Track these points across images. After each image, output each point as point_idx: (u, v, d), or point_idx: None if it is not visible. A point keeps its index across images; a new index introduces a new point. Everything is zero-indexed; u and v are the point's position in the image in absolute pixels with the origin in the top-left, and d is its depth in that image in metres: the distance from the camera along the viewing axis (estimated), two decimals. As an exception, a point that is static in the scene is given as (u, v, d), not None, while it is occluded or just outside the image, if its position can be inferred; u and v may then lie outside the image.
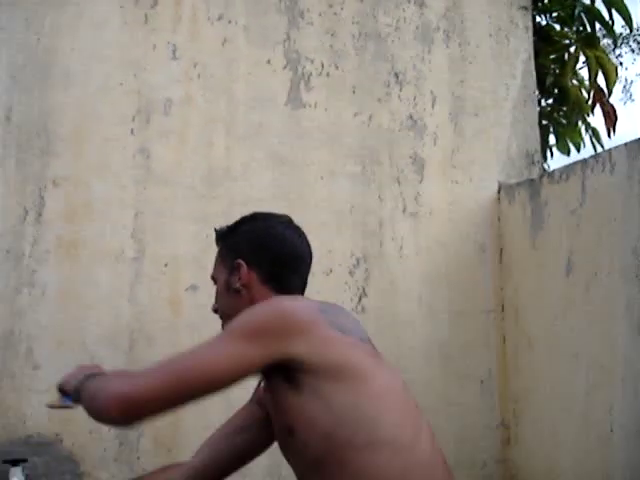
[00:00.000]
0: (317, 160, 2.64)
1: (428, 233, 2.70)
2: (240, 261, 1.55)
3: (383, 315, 2.61)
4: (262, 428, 1.70)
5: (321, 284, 2.55)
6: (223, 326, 1.57)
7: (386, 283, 2.64)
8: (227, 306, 1.56)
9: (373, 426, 1.39)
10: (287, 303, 1.49)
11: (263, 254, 1.56)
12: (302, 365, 1.39)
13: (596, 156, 2.21)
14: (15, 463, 2.17)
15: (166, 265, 2.45)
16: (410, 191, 2.71)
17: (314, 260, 2.46)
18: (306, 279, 1.61)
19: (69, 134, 2.44)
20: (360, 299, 2.60)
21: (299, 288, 1.58)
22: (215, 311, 1.62)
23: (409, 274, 2.66)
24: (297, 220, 2.36)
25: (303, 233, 1.64)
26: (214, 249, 2.43)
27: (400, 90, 2.76)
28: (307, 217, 2.56)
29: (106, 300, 2.41)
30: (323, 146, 2.66)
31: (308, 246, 1.62)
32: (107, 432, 2.34)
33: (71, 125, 2.44)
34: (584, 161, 2.25)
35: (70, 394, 1.54)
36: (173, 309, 2.44)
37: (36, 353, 2.34)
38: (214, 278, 1.63)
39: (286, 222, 1.63)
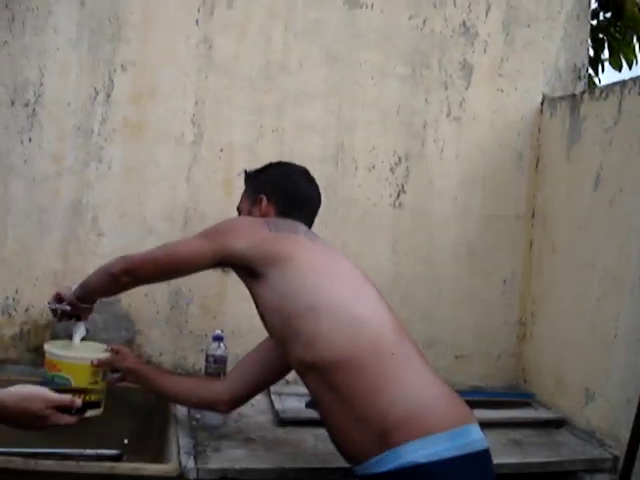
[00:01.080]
0: (369, 60, 2.73)
1: (469, 138, 2.81)
2: (262, 196, 2.02)
3: (419, 212, 2.76)
4: None
5: (363, 178, 2.72)
6: None
7: (424, 182, 2.77)
8: None
9: (308, 293, 1.75)
10: (238, 217, 2.07)
11: (280, 193, 2.02)
12: (247, 258, 1.83)
13: (635, 79, 2.28)
14: (78, 317, 2.29)
15: (221, 150, 2.62)
16: (456, 96, 2.80)
17: (359, 155, 2.73)
18: (312, 219, 2.06)
19: (138, 21, 2.55)
20: (399, 195, 2.75)
21: (306, 222, 2.01)
22: None
23: (447, 176, 2.79)
24: (346, 116, 2.60)
25: (315, 182, 2.09)
26: (266, 138, 2.65)
27: (456, -4, 2.82)
28: (355, 114, 2.72)
29: (165, 179, 2.58)
30: (376, 47, 2.73)
31: (318, 193, 2.08)
32: (160, 296, 2.58)
33: (140, 12, 2.56)
34: (623, 82, 2.32)
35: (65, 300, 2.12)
36: (225, 191, 2.61)
37: (100, 222, 2.55)
38: (239, 208, 2.11)
39: (304, 172, 2.09)
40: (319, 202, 2.09)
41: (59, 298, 2.12)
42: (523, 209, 2.83)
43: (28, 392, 1.36)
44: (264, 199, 2.02)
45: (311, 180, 2.09)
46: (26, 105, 2.50)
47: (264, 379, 2.04)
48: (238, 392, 2.01)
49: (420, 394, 1.67)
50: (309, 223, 2.04)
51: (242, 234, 1.86)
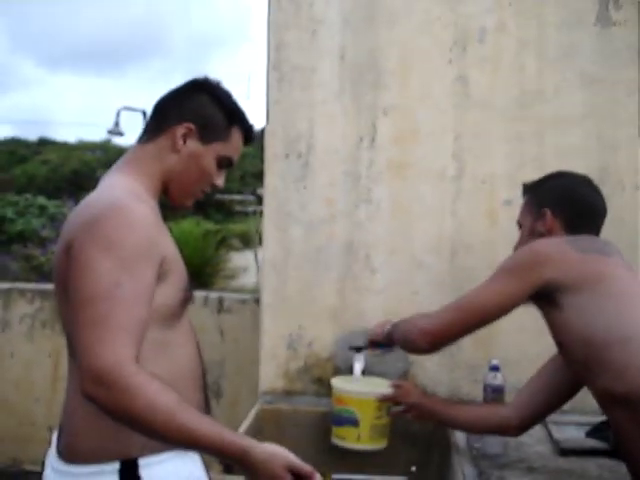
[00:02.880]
0: (627, 78, 2.66)
1: None
2: (546, 209, 1.88)
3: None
4: None
5: (631, 198, 2.64)
6: None
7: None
8: None
9: (623, 323, 1.63)
10: (537, 242, 1.84)
11: (566, 206, 1.88)
12: (556, 286, 1.70)
13: None
14: (358, 350, 2.42)
15: (483, 182, 2.67)
16: None
17: (624, 175, 2.60)
18: (599, 231, 1.90)
19: (395, 68, 2.70)
20: (670, 214, 2.64)
21: (594, 232, 1.89)
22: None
23: None
24: (607, 136, 2.52)
25: (600, 191, 1.92)
26: (527, 166, 2.66)
27: None
28: (617, 134, 2.66)
29: (431, 214, 2.68)
30: (633, 64, 2.66)
31: (603, 203, 1.91)
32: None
33: (397, 60, 2.70)
34: None
35: (381, 342, 2.15)
36: (490, 221, 2.66)
37: (373, 259, 2.69)
38: (520, 223, 2.00)
39: (587, 181, 1.93)
40: (605, 213, 1.92)
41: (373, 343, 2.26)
42: None
43: (275, 449, 1.31)
44: (548, 213, 1.88)
45: (595, 189, 1.93)
46: (299, 156, 2.72)
47: (550, 403, 2.02)
48: (527, 416, 2.01)
49: None
50: (597, 235, 1.90)
51: (550, 262, 1.73)
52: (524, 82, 2.68)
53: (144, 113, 8.87)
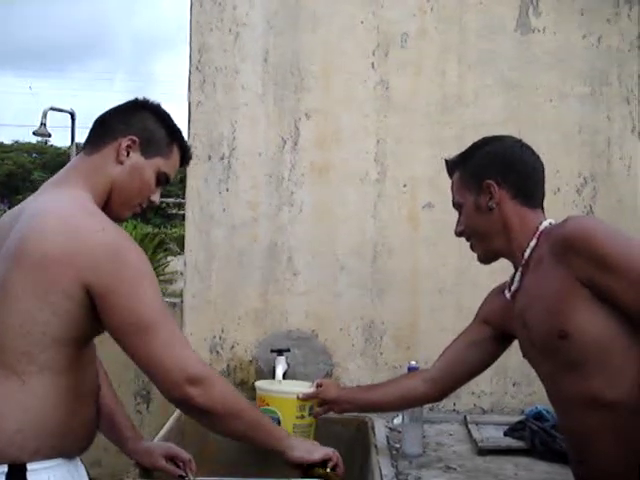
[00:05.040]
0: (546, 83, 2.72)
1: (658, 151, 2.72)
2: (490, 181, 1.66)
3: (610, 232, 2.69)
4: (491, 344, 1.94)
5: (549, 203, 2.65)
6: (472, 247, 1.76)
7: (614, 202, 2.70)
8: (478, 226, 1.70)
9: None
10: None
11: (509, 172, 1.66)
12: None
13: None
14: (280, 353, 2.50)
15: (405, 185, 2.70)
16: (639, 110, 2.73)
17: None
18: (544, 191, 1.73)
19: (318, 71, 2.70)
20: (587, 216, 2.70)
21: (541, 199, 1.71)
22: (460, 234, 1.77)
23: (637, 193, 2.70)
24: (526, 141, 2.54)
25: (533, 150, 1.73)
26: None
27: (630, 9, 2.75)
28: (536, 138, 2.66)
29: (353, 217, 2.69)
30: (552, 69, 2.72)
31: (541, 161, 1.72)
32: (355, 330, 2.68)
33: (320, 63, 2.71)
34: None
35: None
36: (411, 224, 2.69)
37: (295, 262, 2.69)
38: (458, 204, 1.74)
39: (519, 141, 1.74)
40: (544, 173, 1.73)
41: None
42: None
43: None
44: (493, 185, 1.65)
45: (529, 147, 1.72)
46: (222, 158, 2.70)
47: (466, 375, 2.00)
48: (446, 388, 2.03)
49: None
50: (544, 196, 1.73)
51: None
52: (445, 87, 2.72)
53: (72, 114, 8.72)
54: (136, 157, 1.58)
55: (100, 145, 1.58)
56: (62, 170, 1.59)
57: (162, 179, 1.64)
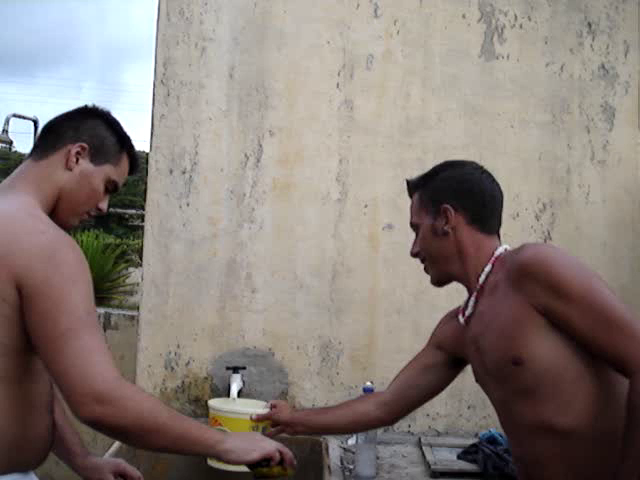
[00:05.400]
0: (508, 110, 2.76)
1: (615, 181, 2.76)
2: (447, 206, 1.66)
3: (567, 258, 2.73)
4: (444, 369, 1.94)
5: (508, 227, 2.69)
6: (426, 268, 1.75)
7: (571, 228, 2.74)
8: (433, 249, 1.71)
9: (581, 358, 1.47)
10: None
11: (467, 198, 1.67)
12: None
13: None
14: (236, 370, 2.49)
15: (366, 206, 2.70)
16: (599, 139, 2.77)
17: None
18: (501, 218, 1.73)
19: (283, 89, 2.71)
20: (545, 242, 2.71)
21: (497, 226, 1.72)
22: (415, 255, 1.76)
23: (594, 220, 2.75)
24: (487, 166, 2.54)
25: (493, 177, 1.73)
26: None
27: (593, 40, 2.81)
28: (497, 163, 2.74)
29: (313, 236, 2.69)
30: (515, 96, 2.77)
31: (500, 188, 1.72)
32: (312, 349, 2.67)
33: (285, 81, 2.71)
34: None
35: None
36: (371, 244, 2.69)
37: (254, 279, 2.68)
38: (415, 225, 1.75)
39: (479, 168, 1.73)
40: (503, 199, 1.73)
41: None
42: (678, 251, 2.73)
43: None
44: (450, 210, 1.67)
45: (490, 175, 1.73)
46: (183, 172, 2.68)
47: (419, 399, 1.97)
48: (397, 411, 1.98)
49: None
50: (500, 224, 1.74)
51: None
52: (409, 109, 2.73)
53: (35, 121, 8.60)
54: (85, 164, 1.56)
55: (49, 151, 1.55)
56: (10, 176, 1.56)
57: (111, 187, 1.62)
